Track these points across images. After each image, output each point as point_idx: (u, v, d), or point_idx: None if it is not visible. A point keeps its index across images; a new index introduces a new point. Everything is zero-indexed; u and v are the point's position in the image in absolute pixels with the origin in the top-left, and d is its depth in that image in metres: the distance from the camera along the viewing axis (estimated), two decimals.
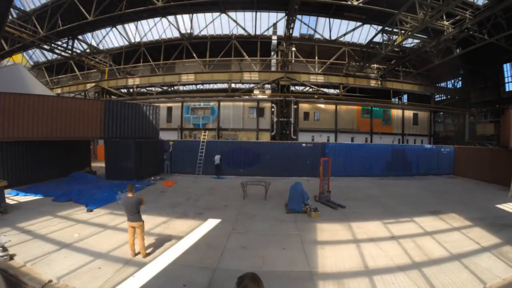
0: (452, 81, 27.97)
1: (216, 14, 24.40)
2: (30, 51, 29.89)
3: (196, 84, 31.20)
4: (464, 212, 9.46)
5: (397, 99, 31.56)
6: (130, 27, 26.99)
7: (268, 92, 25.83)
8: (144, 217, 6.15)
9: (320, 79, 25.56)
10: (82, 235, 6.91)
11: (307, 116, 24.89)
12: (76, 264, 5.43)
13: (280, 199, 11.00)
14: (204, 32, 25.95)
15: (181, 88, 29.90)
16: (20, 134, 11.94)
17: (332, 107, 24.91)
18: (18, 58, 28.67)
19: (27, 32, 21.54)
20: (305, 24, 24.65)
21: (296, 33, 24.00)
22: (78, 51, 26.36)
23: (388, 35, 19.05)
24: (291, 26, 19.90)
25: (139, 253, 5.85)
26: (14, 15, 21.58)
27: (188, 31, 25.89)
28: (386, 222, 8.41)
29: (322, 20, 24.51)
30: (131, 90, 28.90)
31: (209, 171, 16.75)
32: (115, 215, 8.60)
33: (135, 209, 5.82)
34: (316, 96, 25.63)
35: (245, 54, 24.93)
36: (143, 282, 4.95)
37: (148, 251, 6.02)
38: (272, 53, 25.14)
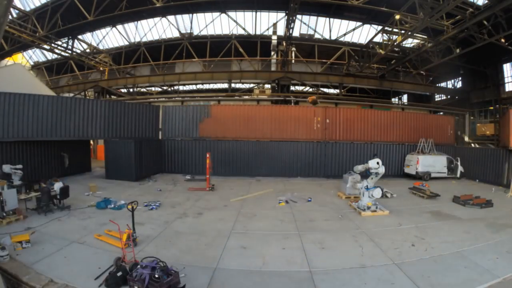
0: (452, 81, 27.95)
1: (216, 14, 24.40)
2: (30, 51, 29.88)
3: (196, 84, 31.17)
4: None
5: (397, 99, 31.57)
6: (130, 27, 26.99)
7: (268, 92, 25.81)
8: None
9: (320, 79, 25.54)
10: None
11: None
12: None
13: None
14: (204, 32, 25.94)
15: (181, 88, 29.90)
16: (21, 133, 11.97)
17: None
18: (18, 58, 28.69)
19: (27, 32, 21.51)
20: (305, 24, 24.66)
21: (296, 33, 23.99)
22: (78, 51, 26.35)
23: (388, 35, 19.03)
24: (291, 26, 19.88)
25: None
26: (14, 15, 21.56)
27: (188, 31, 25.89)
28: None
29: (322, 20, 24.50)
30: (131, 89, 28.92)
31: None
32: None
33: None
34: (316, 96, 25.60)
35: (245, 54, 24.90)
36: None
37: None
38: (272, 53, 25.11)
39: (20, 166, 10.16)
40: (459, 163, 16.65)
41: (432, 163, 16.43)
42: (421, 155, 16.65)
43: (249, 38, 25.17)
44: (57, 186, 9.38)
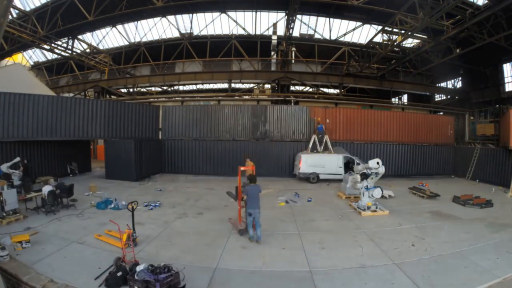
0: (452, 81, 27.94)
1: (216, 14, 24.40)
2: (30, 51, 29.89)
3: (196, 84, 31.20)
4: None
5: (397, 99, 31.57)
6: (130, 27, 26.99)
7: (268, 92, 25.82)
8: None
9: (320, 79, 25.54)
10: None
11: None
12: None
13: None
14: (204, 32, 25.94)
15: (181, 88, 29.90)
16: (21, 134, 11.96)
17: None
18: (18, 58, 28.69)
19: (27, 32, 21.51)
20: (305, 24, 24.67)
21: (296, 33, 23.98)
22: (78, 51, 26.35)
23: (388, 35, 19.02)
24: (291, 26, 19.88)
25: None
26: (14, 15, 21.56)
27: (188, 31, 25.89)
28: None
29: (322, 20, 24.51)
30: (131, 89, 28.92)
31: (208, 170, 16.80)
32: None
33: None
34: (316, 96, 25.61)
35: (245, 54, 24.90)
36: None
37: None
38: (272, 53, 25.12)
39: (17, 171, 10.20)
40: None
41: (320, 162, 14.85)
42: (304, 154, 15.18)
43: (249, 38, 25.17)
44: (46, 189, 8.72)
